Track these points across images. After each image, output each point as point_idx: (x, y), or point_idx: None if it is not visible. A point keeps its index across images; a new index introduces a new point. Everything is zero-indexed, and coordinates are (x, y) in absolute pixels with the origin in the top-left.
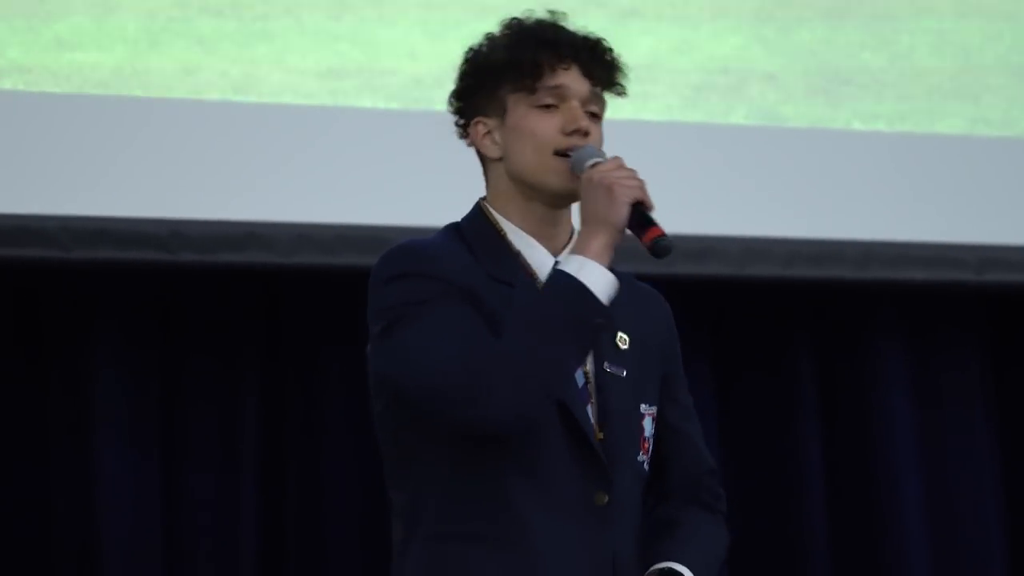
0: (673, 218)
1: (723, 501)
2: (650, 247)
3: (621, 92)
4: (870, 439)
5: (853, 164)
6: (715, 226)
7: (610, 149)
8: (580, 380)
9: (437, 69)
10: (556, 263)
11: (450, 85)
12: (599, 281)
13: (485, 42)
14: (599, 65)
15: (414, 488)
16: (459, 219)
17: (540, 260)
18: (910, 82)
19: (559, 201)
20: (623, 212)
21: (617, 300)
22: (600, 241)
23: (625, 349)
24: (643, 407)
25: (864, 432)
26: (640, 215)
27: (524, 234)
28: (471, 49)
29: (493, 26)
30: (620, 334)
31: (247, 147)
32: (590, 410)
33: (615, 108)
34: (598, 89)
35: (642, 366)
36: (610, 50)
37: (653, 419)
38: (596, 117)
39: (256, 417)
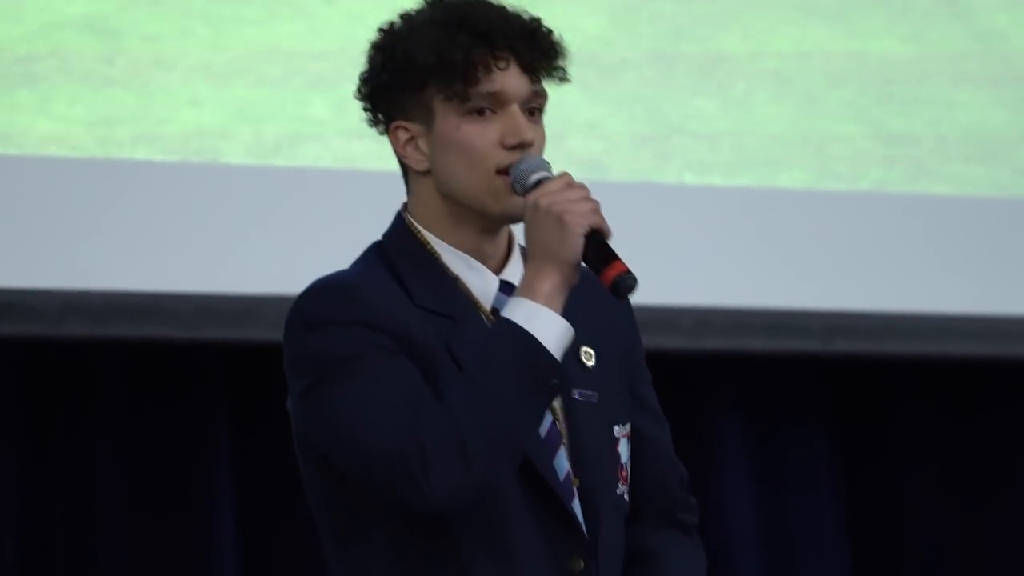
0: None
1: (696, 513)
2: (611, 286)
3: (563, 78)
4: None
5: (685, 222)
6: None
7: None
8: (547, 422)
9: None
10: (496, 312)
11: (237, 134)
12: (553, 332)
13: (404, 28)
14: (540, 56)
15: (356, 564)
16: (379, 237)
17: (483, 285)
18: (747, 131)
19: (497, 224)
20: (577, 245)
21: (570, 304)
22: (551, 282)
23: (592, 366)
24: (616, 430)
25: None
26: (597, 245)
27: (461, 254)
28: (387, 31)
29: (285, 72)
30: (584, 348)
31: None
32: (563, 452)
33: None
34: (538, 83)
35: (610, 381)
36: (549, 33)
37: (628, 438)
38: (537, 113)
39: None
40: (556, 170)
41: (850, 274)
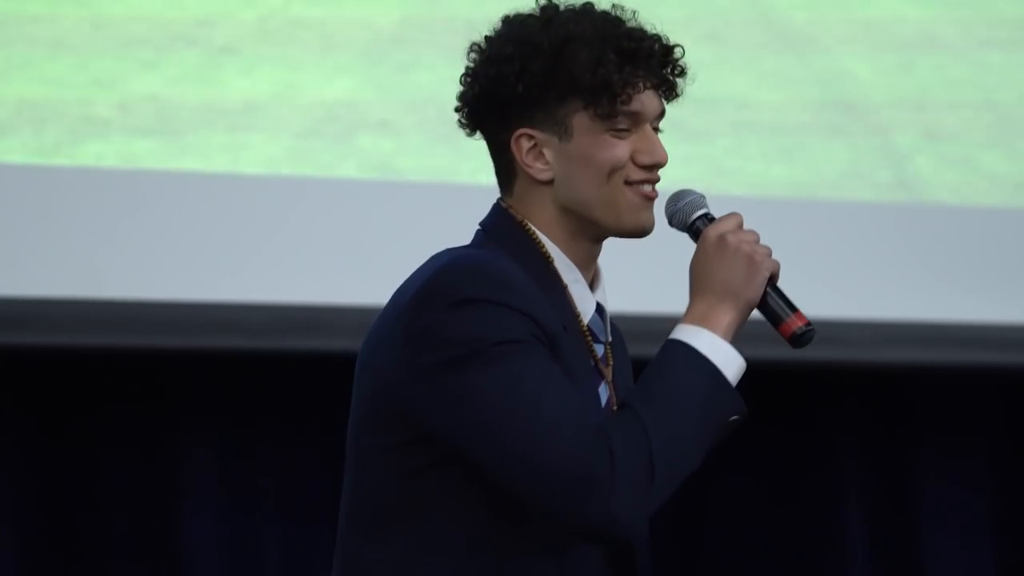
0: (251, 284)
1: None
2: (791, 337)
3: (678, 95)
4: None
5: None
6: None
7: (201, 202)
8: None
9: None
10: (674, 339)
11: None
12: (731, 366)
13: (541, 32)
14: (673, 76)
15: (405, 547)
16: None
17: (584, 299)
18: None
19: (618, 237)
20: (760, 288)
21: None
22: (730, 318)
23: None
24: None
25: None
26: (777, 293)
27: (572, 266)
28: (517, 40)
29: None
30: (627, 387)
31: None
32: None
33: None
34: (665, 105)
35: None
36: (681, 54)
37: None
38: (658, 130)
39: None
40: None
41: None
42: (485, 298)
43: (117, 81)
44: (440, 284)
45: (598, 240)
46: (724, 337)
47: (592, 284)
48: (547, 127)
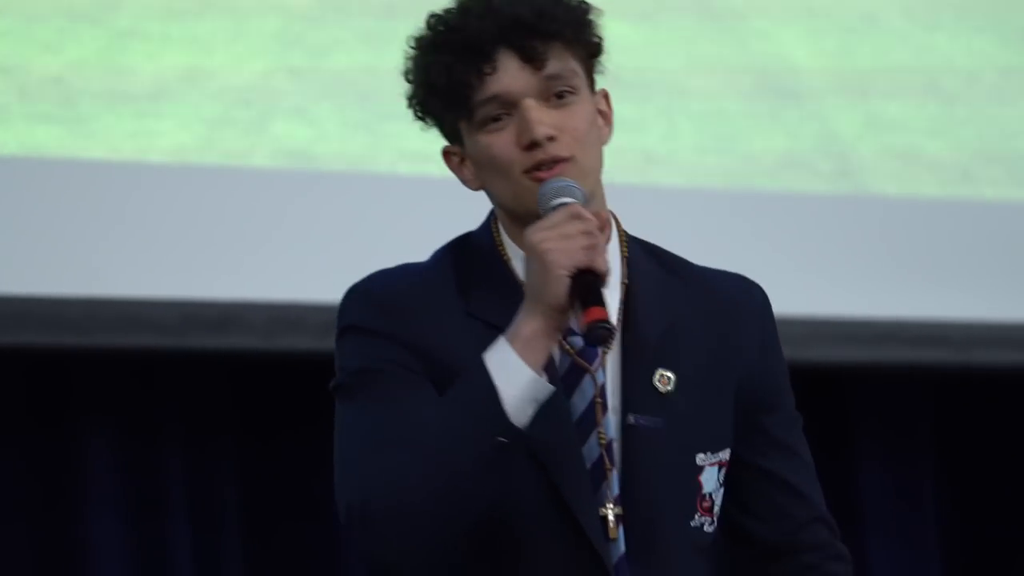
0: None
1: (840, 561)
2: (584, 332)
3: (593, 44)
4: None
5: (399, 213)
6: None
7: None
8: (594, 451)
9: None
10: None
11: None
12: (515, 386)
13: (408, 57)
14: (531, 42)
15: None
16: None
17: None
18: None
19: None
20: (557, 288)
21: (658, 324)
22: (532, 326)
23: (668, 391)
24: (700, 457)
25: None
26: (581, 287)
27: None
28: (406, 59)
29: None
30: (661, 372)
31: None
32: (610, 483)
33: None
34: (550, 66)
35: (701, 404)
36: (547, 8)
37: (722, 467)
38: (568, 95)
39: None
40: None
41: None
42: (352, 324)
43: (17, 65)
44: (339, 309)
45: None
46: (524, 347)
47: None
48: (454, 140)
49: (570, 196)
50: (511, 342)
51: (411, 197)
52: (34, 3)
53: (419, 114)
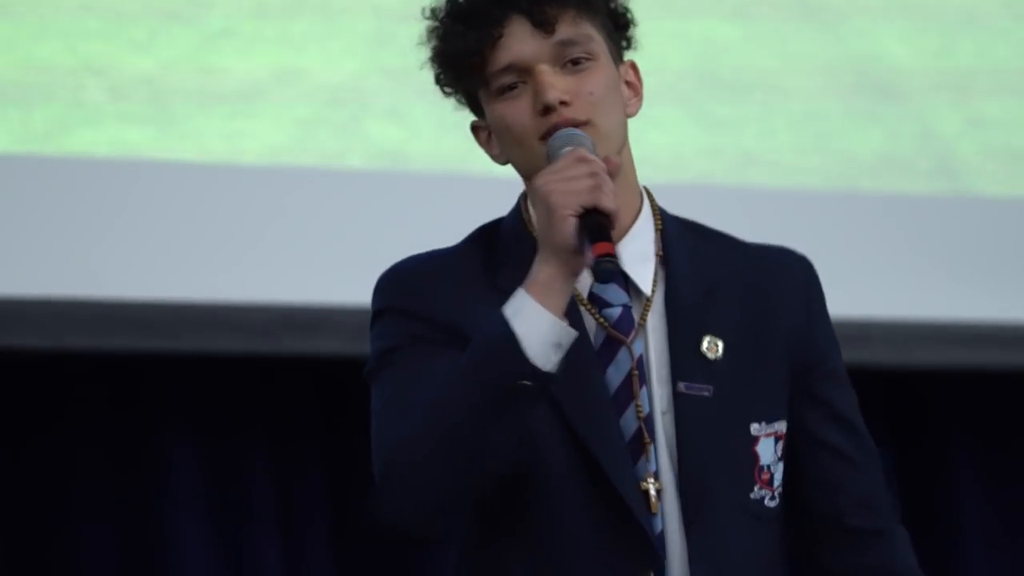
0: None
1: (898, 541)
2: (592, 267)
3: (614, 13)
4: None
5: (494, 214)
6: None
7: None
8: (631, 425)
9: None
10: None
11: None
12: (535, 329)
13: (429, 31)
14: (549, 5)
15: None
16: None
17: None
18: None
19: None
20: (564, 229)
21: (696, 290)
22: (547, 271)
23: (716, 358)
24: (755, 427)
25: None
26: (587, 225)
27: None
28: (423, 33)
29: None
30: (708, 339)
31: None
32: (651, 454)
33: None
34: (562, 31)
35: (751, 373)
36: None
37: (779, 438)
38: (584, 61)
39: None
40: None
41: None
42: (382, 308)
43: (108, 65)
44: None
45: None
46: (541, 292)
47: (622, 234)
48: (478, 112)
49: (578, 144)
50: (527, 289)
51: (506, 198)
52: (125, 3)
53: (445, 89)
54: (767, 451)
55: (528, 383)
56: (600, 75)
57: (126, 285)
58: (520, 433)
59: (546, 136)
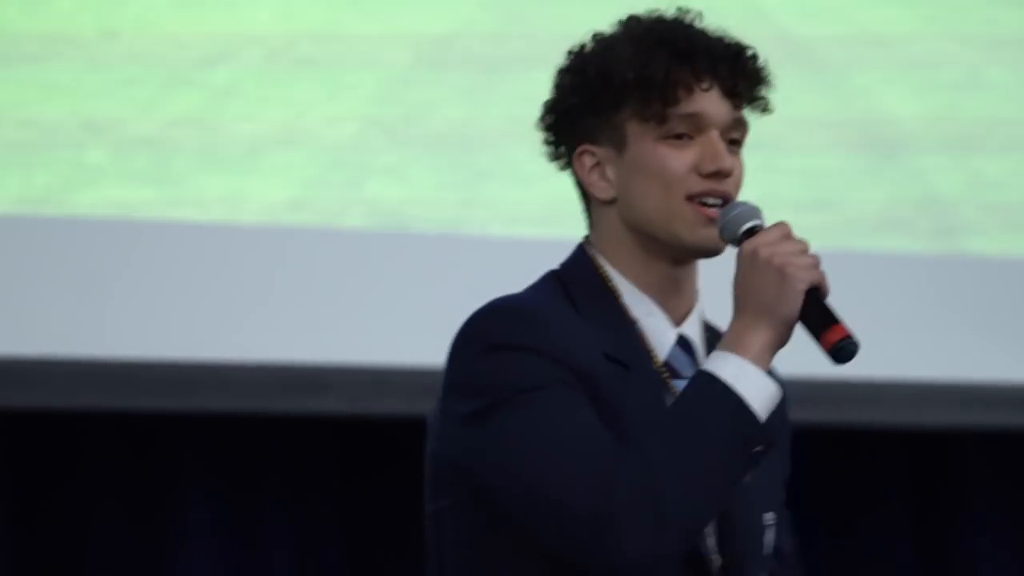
0: None
1: None
2: (831, 350)
3: (765, 108)
4: None
5: (492, 275)
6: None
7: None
8: None
9: None
10: (701, 369)
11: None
12: (760, 394)
13: (598, 47)
14: (744, 81)
15: None
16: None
17: (660, 332)
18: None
19: (688, 257)
20: (796, 302)
21: None
22: (764, 338)
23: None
24: (767, 517)
25: None
26: (817, 305)
27: (644, 297)
28: (577, 53)
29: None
30: None
31: None
32: (711, 529)
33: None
34: (740, 110)
35: (770, 466)
36: (755, 57)
37: (774, 530)
38: (736, 144)
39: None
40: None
41: None
42: (510, 343)
43: (112, 123)
44: (470, 331)
45: (678, 262)
46: (756, 360)
47: (680, 313)
48: (606, 140)
49: (760, 219)
50: (741, 353)
51: (504, 259)
52: (131, 61)
53: (578, 101)
54: (769, 541)
55: (761, 448)
56: (741, 162)
57: (131, 344)
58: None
59: (695, 196)
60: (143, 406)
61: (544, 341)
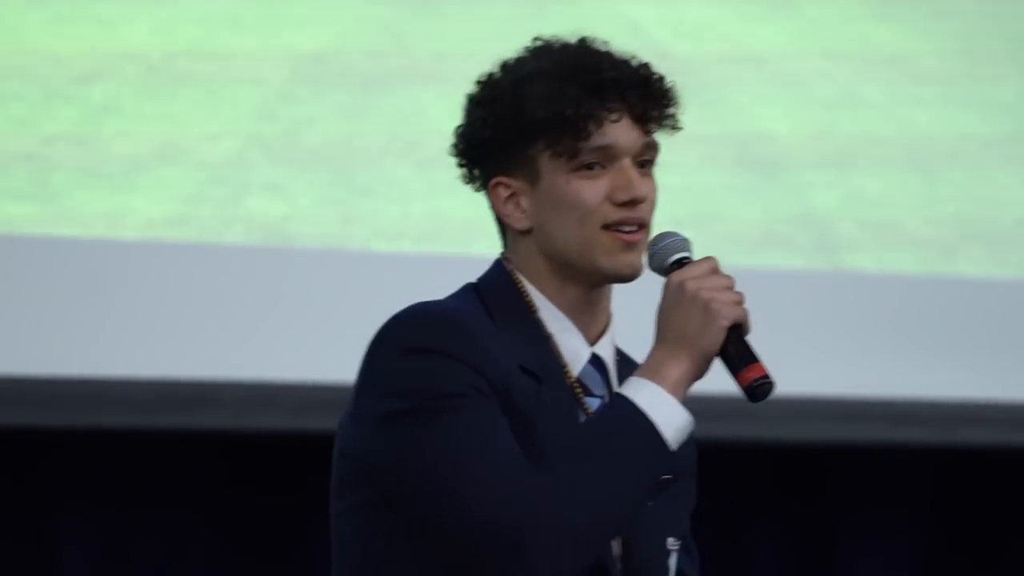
0: None
1: None
2: (748, 389)
3: (675, 127)
4: None
5: (373, 291)
6: None
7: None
8: None
9: None
10: (618, 393)
11: None
12: (673, 423)
13: (507, 80)
14: (653, 106)
15: None
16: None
17: (574, 349)
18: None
19: (605, 283)
20: (718, 337)
21: None
22: (682, 369)
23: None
24: (670, 541)
25: None
26: (738, 342)
27: (561, 315)
28: (486, 83)
29: None
30: None
31: None
32: (614, 546)
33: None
34: (650, 134)
35: (677, 493)
36: (662, 80)
37: (678, 554)
38: (648, 165)
39: None
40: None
41: None
42: (430, 348)
43: None
44: (389, 334)
45: (594, 286)
46: (673, 390)
47: (594, 333)
48: (519, 173)
49: (689, 251)
50: (659, 382)
51: (385, 274)
52: (7, 78)
53: (490, 134)
54: (672, 566)
55: (668, 477)
56: (654, 183)
57: (5, 360)
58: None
59: (611, 226)
60: (22, 422)
61: (464, 349)
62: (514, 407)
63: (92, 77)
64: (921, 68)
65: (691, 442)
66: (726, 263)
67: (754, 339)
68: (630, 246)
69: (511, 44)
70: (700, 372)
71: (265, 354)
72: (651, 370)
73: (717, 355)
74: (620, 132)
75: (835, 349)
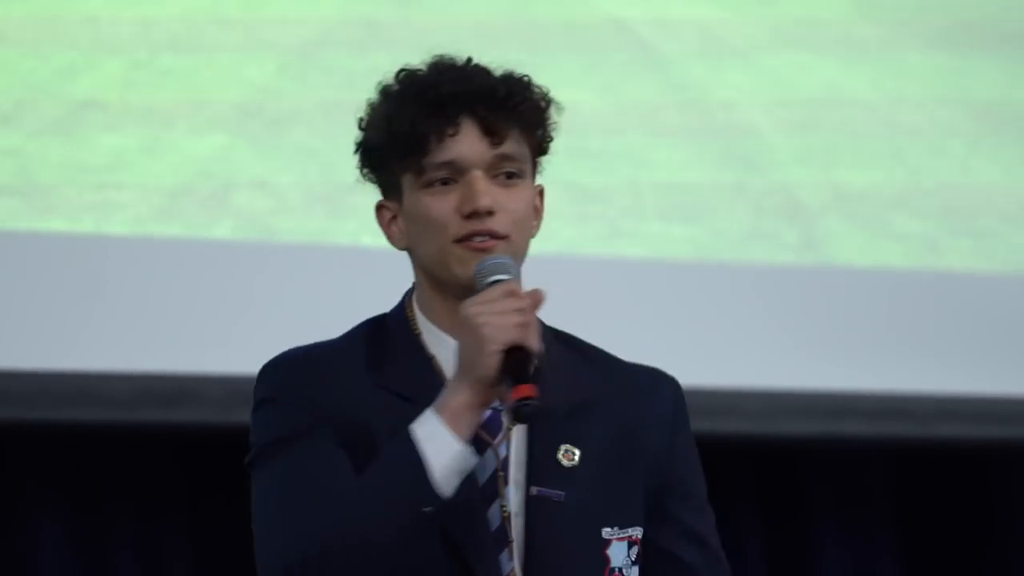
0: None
1: None
2: (510, 409)
3: (545, 137)
4: None
5: (360, 285)
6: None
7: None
8: (496, 520)
9: None
10: (410, 425)
11: None
12: (443, 457)
13: (370, 104)
14: (500, 118)
15: None
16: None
17: (452, 365)
18: None
19: (468, 294)
20: (489, 362)
21: (565, 403)
22: (461, 399)
23: (572, 465)
24: (606, 531)
25: None
26: (512, 363)
27: (441, 333)
28: (368, 106)
29: None
30: (565, 447)
31: None
32: (510, 552)
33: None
34: (506, 145)
35: (607, 480)
36: (516, 91)
37: (632, 542)
38: (515, 178)
39: None
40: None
41: None
42: (266, 397)
43: None
44: (255, 383)
45: (461, 298)
46: (451, 420)
47: None
48: (392, 195)
49: (506, 273)
50: (439, 413)
51: (373, 269)
52: None
53: (365, 162)
54: (619, 554)
55: (428, 509)
56: (525, 194)
57: None
58: (425, 548)
59: (463, 239)
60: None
61: (292, 392)
62: (370, 434)
63: (77, 71)
64: (905, 62)
65: (656, 401)
66: (712, 258)
67: (742, 334)
68: (484, 252)
69: (494, 40)
70: (481, 399)
71: (250, 349)
72: (438, 401)
73: (499, 380)
74: (463, 145)
75: (822, 344)
